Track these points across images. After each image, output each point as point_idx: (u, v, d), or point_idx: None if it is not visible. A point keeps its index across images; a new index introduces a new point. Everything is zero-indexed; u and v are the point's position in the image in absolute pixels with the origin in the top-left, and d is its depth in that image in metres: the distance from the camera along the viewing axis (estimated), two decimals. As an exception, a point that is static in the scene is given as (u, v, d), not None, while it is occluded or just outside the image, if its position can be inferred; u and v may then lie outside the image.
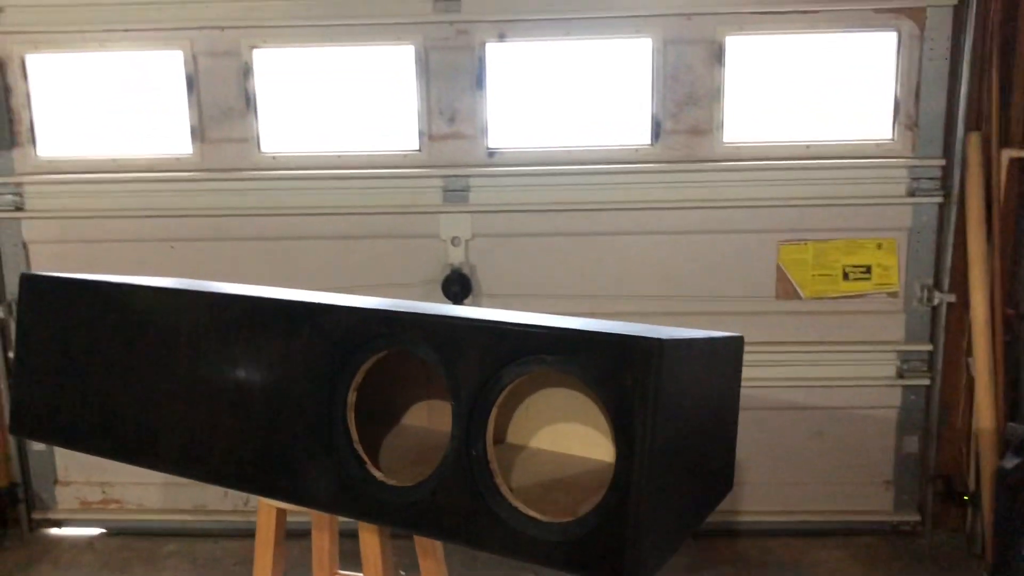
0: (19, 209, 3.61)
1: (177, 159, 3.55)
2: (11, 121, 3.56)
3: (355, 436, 1.60)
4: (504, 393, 1.45)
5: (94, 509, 3.84)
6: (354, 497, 1.58)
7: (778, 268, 3.48)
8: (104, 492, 3.83)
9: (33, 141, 3.58)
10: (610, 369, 1.33)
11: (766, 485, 3.65)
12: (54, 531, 3.85)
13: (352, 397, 1.60)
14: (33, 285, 2.02)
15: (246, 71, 3.44)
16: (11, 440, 3.76)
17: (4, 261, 3.66)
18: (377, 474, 1.57)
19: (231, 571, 3.46)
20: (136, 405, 1.84)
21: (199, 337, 1.75)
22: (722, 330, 3.49)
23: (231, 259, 3.57)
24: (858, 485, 3.64)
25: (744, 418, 3.60)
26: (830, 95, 3.38)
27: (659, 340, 1.29)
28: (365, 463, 1.59)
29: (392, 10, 3.36)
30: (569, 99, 3.45)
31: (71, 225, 3.61)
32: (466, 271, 3.50)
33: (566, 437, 1.86)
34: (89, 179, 3.56)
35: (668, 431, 1.36)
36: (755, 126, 3.40)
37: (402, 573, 3.43)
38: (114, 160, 3.57)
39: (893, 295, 3.47)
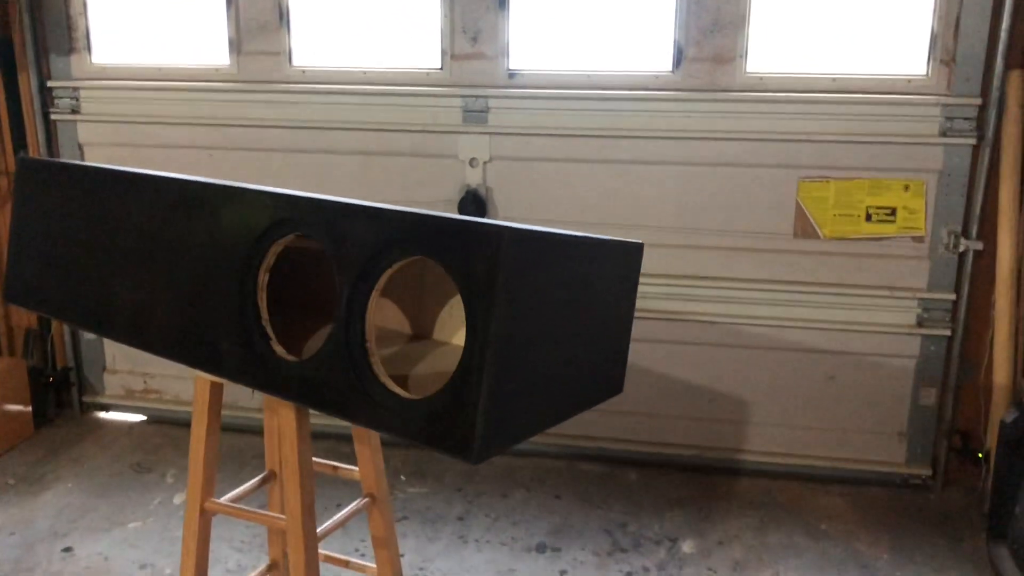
0: (75, 112, 3.85)
1: (216, 70, 3.71)
2: (69, 28, 3.78)
3: (264, 314, 1.70)
4: (383, 278, 1.52)
5: (136, 397, 4.14)
6: (257, 369, 1.69)
7: (797, 205, 3.39)
8: (146, 383, 4.12)
9: (88, 48, 3.80)
10: (463, 257, 1.38)
11: (773, 426, 3.61)
12: (101, 414, 4.18)
13: (263, 278, 1.70)
14: (26, 167, 2.19)
15: (280, -15, 3.55)
16: (65, 328, 4.08)
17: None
18: (278, 349, 1.68)
19: (248, 463, 3.68)
20: (97, 279, 1.99)
21: (145, 218, 1.88)
22: (737, 266, 3.46)
23: (262, 169, 3.72)
24: (869, 434, 3.56)
25: (755, 357, 3.58)
26: (860, 26, 3.23)
27: (508, 229, 1.33)
28: (270, 339, 1.69)
29: (420, -73, 3.39)
30: (591, 22, 3.41)
31: (121, 129, 3.83)
32: (482, 193, 3.55)
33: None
34: (136, 86, 3.77)
35: (518, 320, 1.40)
36: (780, 56, 3.29)
37: (403, 478, 3.59)
38: (159, 69, 3.75)
39: (918, 240, 3.34)
